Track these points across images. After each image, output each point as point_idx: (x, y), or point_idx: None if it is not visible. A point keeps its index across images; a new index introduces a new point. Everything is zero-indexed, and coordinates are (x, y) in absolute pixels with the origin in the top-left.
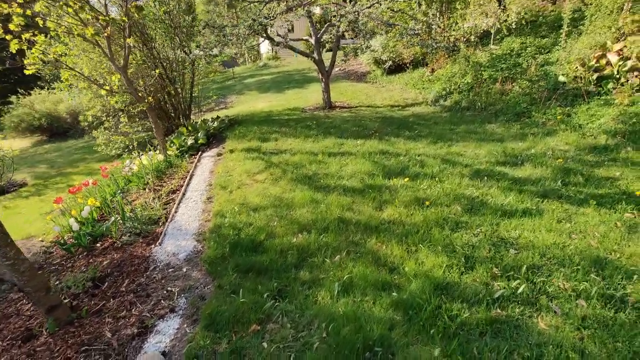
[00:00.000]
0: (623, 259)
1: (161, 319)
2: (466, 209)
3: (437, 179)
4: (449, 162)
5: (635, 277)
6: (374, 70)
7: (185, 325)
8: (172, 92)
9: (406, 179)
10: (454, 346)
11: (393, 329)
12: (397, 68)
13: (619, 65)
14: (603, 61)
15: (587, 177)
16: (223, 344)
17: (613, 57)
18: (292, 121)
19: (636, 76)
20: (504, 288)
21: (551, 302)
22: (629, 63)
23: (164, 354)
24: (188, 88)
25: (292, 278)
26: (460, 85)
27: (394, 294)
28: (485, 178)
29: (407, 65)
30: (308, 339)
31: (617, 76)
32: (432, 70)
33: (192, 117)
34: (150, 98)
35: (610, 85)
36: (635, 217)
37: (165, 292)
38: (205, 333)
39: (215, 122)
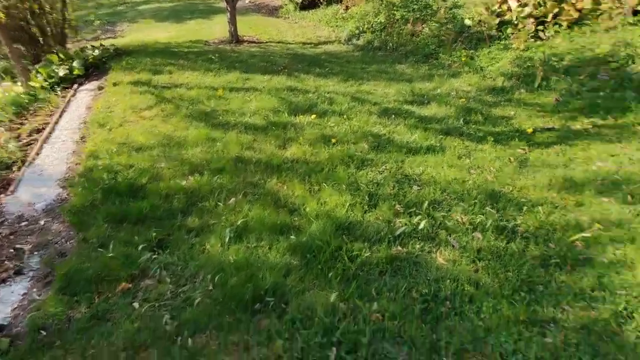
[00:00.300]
0: (515, 191)
1: (2, 284)
2: (373, 147)
3: (345, 116)
4: (358, 100)
5: (524, 208)
6: (286, 5)
7: (35, 290)
8: (36, 9)
9: (313, 116)
10: (352, 289)
11: (289, 275)
12: (310, 3)
13: (518, 12)
14: (505, 6)
15: (486, 116)
16: (81, 308)
17: (513, 3)
18: (192, 54)
19: (532, 23)
20: (406, 225)
21: (450, 236)
22: (526, 10)
23: (1, 327)
24: (59, 6)
25: (177, 226)
26: (373, 25)
27: (292, 237)
28: (393, 116)
29: (321, 1)
30: (190, 294)
31: (516, 22)
32: (347, 8)
33: (68, 44)
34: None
35: (509, 30)
36: (526, 152)
37: (12, 251)
38: (59, 297)
39: (97, 51)
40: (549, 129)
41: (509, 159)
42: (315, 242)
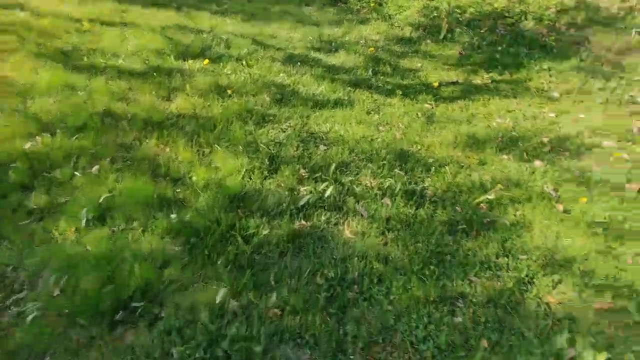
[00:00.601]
0: (423, 150)
1: None
2: (275, 100)
3: (244, 62)
4: (260, 44)
5: (432, 169)
6: None
7: None
8: None
9: (206, 62)
10: (245, 279)
11: (166, 267)
12: None
13: None
14: None
15: (394, 67)
16: None
17: None
18: None
19: None
20: (311, 193)
21: (358, 203)
22: None
23: None
24: None
25: (11, 207)
26: None
27: (174, 215)
28: (299, 64)
29: None
30: (24, 307)
31: None
32: None
33: None
34: None
35: None
36: (432, 107)
37: None
38: None
39: None
40: (453, 83)
41: (417, 114)
42: (202, 220)
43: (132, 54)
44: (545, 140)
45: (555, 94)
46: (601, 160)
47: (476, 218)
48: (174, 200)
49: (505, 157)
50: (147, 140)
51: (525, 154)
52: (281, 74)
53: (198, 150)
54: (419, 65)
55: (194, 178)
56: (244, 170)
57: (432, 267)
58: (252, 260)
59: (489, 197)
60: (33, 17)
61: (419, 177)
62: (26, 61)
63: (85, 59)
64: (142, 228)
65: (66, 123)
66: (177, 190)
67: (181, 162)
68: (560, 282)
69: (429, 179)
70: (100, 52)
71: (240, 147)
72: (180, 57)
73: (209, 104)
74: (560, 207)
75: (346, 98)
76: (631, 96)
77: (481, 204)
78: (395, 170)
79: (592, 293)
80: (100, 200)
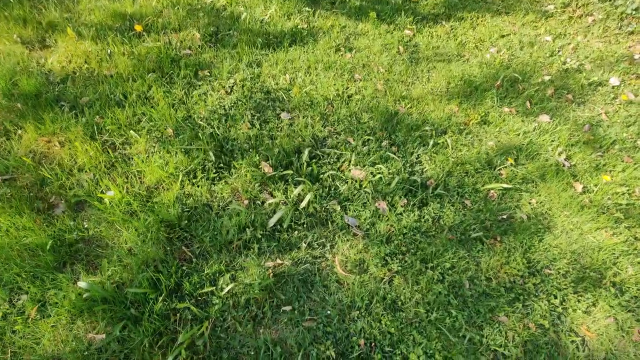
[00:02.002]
0: (414, 110)
1: None
2: (208, 36)
3: None
4: None
5: (430, 142)
6: None
7: None
8: None
9: None
10: None
11: None
12: None
13: None
14: None
15: None
16: None
17: None
18: None
19: None
20: (282, 203)
21: (346, 213)
22: None
23: None
24: None
25: None
26: None
27: (83, 282)
28: None
29: None
30: None
31: None
32: None
33: None
34: None
35: None
36: (413, 34)
37: None
38: None
39: None
40: None
41: (397, 48)
42: (130, 289)
43: None
44: (547, 79)
45: (551, 8)
46: (608, 105)
47: (490, 216)
48: (81, 250)
49: (507, 109)
50: (18, 133)
51: (529, 103)
52: None
53: (104, 145)
54: None
55: (105, 200)
56: (181, 174)
57: (452, 311)
58: (214, 347)
59: (503, 185)
60: None
61: (416, 156)
62: None
63: None
64: (34, 310)
65: None
66: (83, 227)
67: (81, 171)
68: (594, 304)
69: (427, 158)
70: None
71: (170, 129)
72: None
73: (109, 52)
74: (579, 187)
75: (305, 27)
76: (635, 10)
77: (492, 191)
78: (385, 148)
79: (629, 317)
80: None
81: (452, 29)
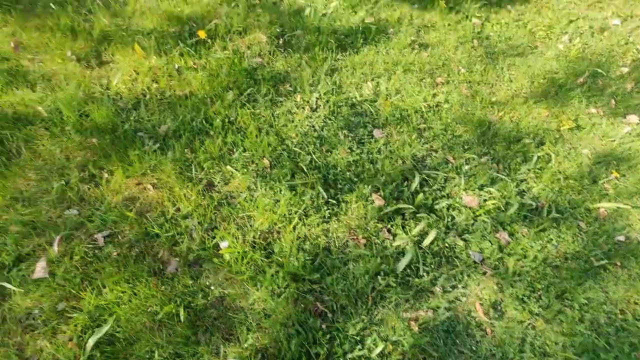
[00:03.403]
0: (506, 117)
1: None
2: (275, 38)
3: None
4: None
5: (529, 154)
6: None
7: None
8: None
9: None
10: None
11: None
12: None
13: None
14: None
15: None
16: None
17: None
18: None
19: None
20: (405, 243)
21: (468, 247)
22: None
23: None
24: None
25: None
26: None
27: None
28: None
29: None
30: None
31: None
32: None
33: None
34: None
35: None
36: (482, 22)
37: None
38: None
39: None
40: None
41: (471, 42)
42: None
43: None
44: (625, 71)
45: None
46: None
47: (607, 239)
48: (210, 315)
49: (594, 110)
50: (105, 176)
51: (613, 101)
52: None
53: (200, 183)
54: None
55: (222, 253)
56: (296, 216)
57: (600, 354)
58: None
59: (619, 205)
60: None
61: (520, 175)
62: None
63: None
64: None
65: None
66: (207, 288)
67: (185, 219)
68: None
69: (531, 175)
70: None
71: (266, 160)
72: None
73: (176, 67)
74: None
75: (372, 20)
76: None
77: (601, 209)
78: (485, 162)
79: None
80: None
81: (519, 16)
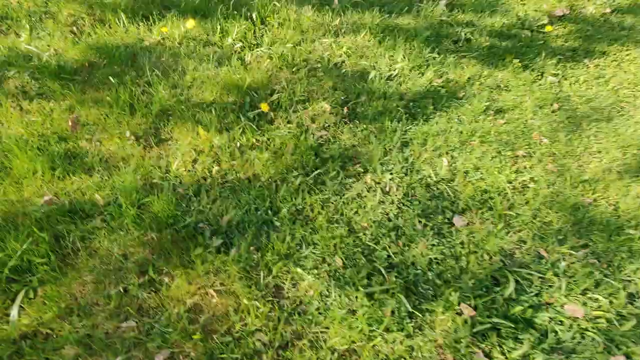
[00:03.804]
0: (602, 201)
1: None
2: (338, 106)
3: (254, 16)
4: None
5: (634, 251)
6: None
7: None
8: None
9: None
10: None
11: None
12: None
13: None
14: None
15: None
16: None
17: None
18: None
19: None
20: None
21: None
22: None
23: None
24: None
25: None
26: None
27: None
28: (338, 12)
29: None
30: None
31: None
32: None
33: None
34: None
35: None
36: (559, 80)
37: None
38: None
39: None
40: (560, 18)
41: (551, 105)
42: None
43: None
44: None
45: None
46: None
47: None
48: None
49: None
50: (165, 281)
51: None
52: (318, 43)
53: (268, 288)
54: None
55: None
56: (378, 334)
57: None
58: None
59: None
60: None
61: (626, 274)
62: None
63: None
64: None
65: None
66: None
67: (253, 335)
68: None
69: None
70: None
71: (339, 259)
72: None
73: (238, 145)
74: None
75: (443, 81)
76: None
77: None
78: (582, 257)
79: None
80: None
81: (597, 71)
